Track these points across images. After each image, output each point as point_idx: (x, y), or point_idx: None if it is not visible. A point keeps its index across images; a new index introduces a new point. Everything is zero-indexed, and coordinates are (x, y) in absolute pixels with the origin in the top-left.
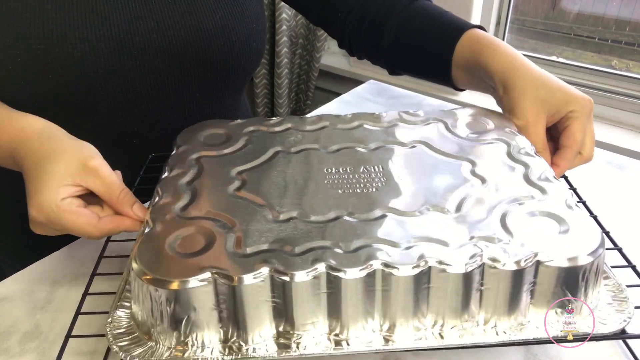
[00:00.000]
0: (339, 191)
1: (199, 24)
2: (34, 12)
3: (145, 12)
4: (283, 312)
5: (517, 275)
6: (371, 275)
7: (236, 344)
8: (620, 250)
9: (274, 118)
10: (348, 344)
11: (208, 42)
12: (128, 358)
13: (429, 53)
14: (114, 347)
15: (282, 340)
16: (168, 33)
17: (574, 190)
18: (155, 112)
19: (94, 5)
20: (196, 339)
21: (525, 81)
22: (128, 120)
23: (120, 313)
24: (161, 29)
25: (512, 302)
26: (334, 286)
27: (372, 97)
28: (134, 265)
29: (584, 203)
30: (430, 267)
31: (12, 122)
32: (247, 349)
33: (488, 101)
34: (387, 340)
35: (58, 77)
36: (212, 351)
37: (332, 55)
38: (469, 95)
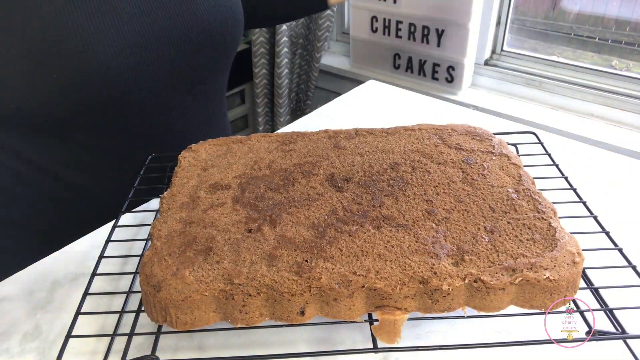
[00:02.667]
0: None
1: (197, 7)
2: (65, 29)
3: (152, 4)
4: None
5: None
6: None
7: None
8: (620, 250)
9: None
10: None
11: (207, 22)
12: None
13: None
14: None
15: None
16: (174, 20)
17: (574, 190)
18: (169, 98)
19: (113, 8)
20: None
21: None
22: (147, 111)
23: None
24: (168, 17)
25: None
26: None
27: (372, 97)
28: None
29: (584, 203)
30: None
31: None
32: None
33: (488, 100)
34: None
35: (95, 86)
36: None
37: (332, 55)
38: (468, 95)
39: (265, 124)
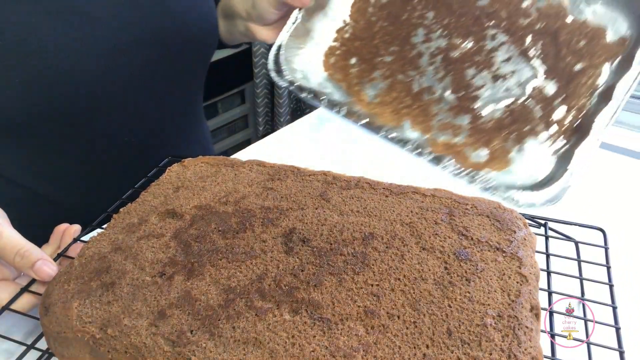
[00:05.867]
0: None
1: (172, 8)
2: (23, 29)
3: (125, 6)
4: None
5: None
6: None
7: None
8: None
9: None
10: None
11: (182, 23)
12: None
13: None
14: None
15: None
16: (148, 22)
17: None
18: (147, 102)
19: (79, 10)
20: None
21: None
22: (124, 117)
23: None
24: (141, 19)
25: None
26: None
27: None
28: None
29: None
30: None
31: None
32: None
33: None
34: None
35: (58, 90)
36: None
37: None
38: None
39: (265, 124)
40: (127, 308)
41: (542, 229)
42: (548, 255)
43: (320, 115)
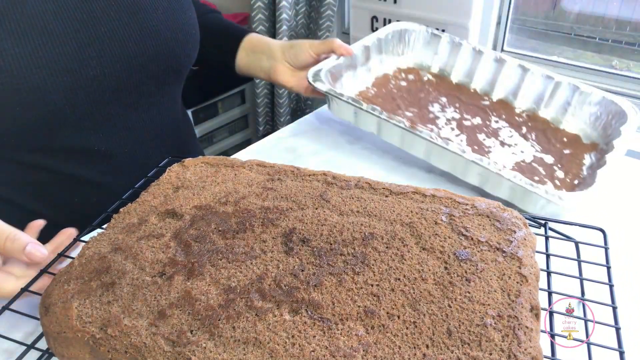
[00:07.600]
0: None
1: (144, 22)
2: None
3: (93, 20)
4: None
5: None
6: None
7: None
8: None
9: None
10: None
11: (155, 37)
12: None
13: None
14: None
15: None
16: (119, 36)
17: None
18: (117, 115)
19: (43, 29)
20: None
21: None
22: (95, 130)
23: None
24: (112, 33)
25: None
26: None
27: None
28: None
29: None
30: None
31: None
32: None
33: None
34: None
35: (27, 107)
36: None
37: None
38: None
39: (266, 124)
40: (127, 308)
41: (542, 229)
42: (548, 256)
43: (320, 115)
